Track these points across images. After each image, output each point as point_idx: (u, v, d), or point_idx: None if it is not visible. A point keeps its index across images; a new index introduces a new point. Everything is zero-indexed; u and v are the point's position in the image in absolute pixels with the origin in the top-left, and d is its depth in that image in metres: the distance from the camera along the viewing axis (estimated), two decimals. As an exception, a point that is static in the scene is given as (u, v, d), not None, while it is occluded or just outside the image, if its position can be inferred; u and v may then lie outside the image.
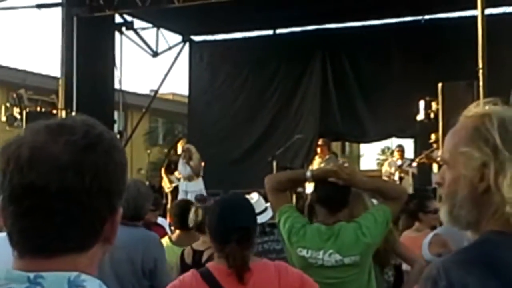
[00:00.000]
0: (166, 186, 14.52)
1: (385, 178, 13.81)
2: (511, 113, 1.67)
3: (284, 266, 3.33)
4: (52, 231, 1.26)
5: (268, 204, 6.00)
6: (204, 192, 13.50)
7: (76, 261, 1.28)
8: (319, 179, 4.26)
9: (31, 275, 1.25)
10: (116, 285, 4.83)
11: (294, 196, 12.01)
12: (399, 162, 14.24)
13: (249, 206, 3.52)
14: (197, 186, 13.72)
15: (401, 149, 14.86)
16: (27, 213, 1.25)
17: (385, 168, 14.78)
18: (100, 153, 1.29)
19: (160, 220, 8.37)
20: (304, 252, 4.08)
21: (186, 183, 13.85)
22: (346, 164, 4.58)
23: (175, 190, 14.17)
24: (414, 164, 14.32)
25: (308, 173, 4.29)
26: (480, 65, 11.98)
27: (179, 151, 14.97)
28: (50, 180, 1.24)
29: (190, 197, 12.87)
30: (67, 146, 1.26)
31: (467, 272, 1.54)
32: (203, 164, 14.19)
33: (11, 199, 1.26)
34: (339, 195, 4.20)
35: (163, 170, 14.92)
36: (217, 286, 3.12)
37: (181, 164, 14.09)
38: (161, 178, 14.95)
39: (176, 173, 14.39)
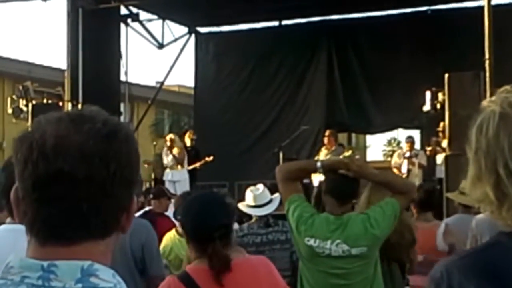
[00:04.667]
0: None
1: (394, 169, 13.81)
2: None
3: (265, 261, 3.30)
4: (77, 218, 1.27)
5: (273, 196, 6.04)
6: (188, 181, 13.58)
7: (95, 248, 1.29)
8: (329, 170, 4.29)
9: (45, 263, 1.26)
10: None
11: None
12: (408, 154, 14.22)
13: (225, 202, 3.46)
14: (182, 176, 13.77)
15: (411, 140, 14.83)
16: (52, 201, 1.26)
17: (395, 159, 14.77)
18: (121, 141, 1.31)
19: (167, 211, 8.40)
20: (311, 242, 4.10)
21: (171, 173, 13.92)
22: (357, 157, 4.60)
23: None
24: (422, 154, 14.31)
25: (319, 164, 4.33)
26: (487, 56, 11.95)
27: (188, 143, 15.00)
28: (76, 167, 1.25)
29: (178, 187, 12.91)
30: (91, 134, 1.27)
31: (468, 279, 1.51)
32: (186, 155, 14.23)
33: (35, 187, 1.26)
34: (349, 186, 4.25)
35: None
36: None
37: (164, 154, 14.19)
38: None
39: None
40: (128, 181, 1.32)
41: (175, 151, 13.96)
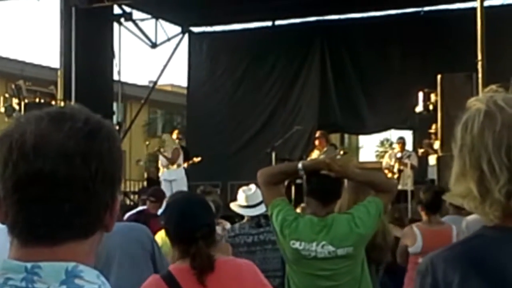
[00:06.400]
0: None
1: (385, 170, 13.81)
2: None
3: (250, 263, 3.29)
4: (59, 219, 1.26)
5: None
6: (185, 180, 13.55)
7: (78, 248, 1.28)
8: (311, 171, 4.25)
9: (29, 265, 1.24)
10: (131, 264, 5.42)
11: (293, 188, 12.01)
12: (399, 155, 14.22)
13: (205, 202, 3.47)
14: (178, 174, 13.76)
15: (402, 141, 14.81)
16: (34, 201, 1.25)
17: (386, 160, 14.77)
18: (103, 140, 1.29)
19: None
20: (297, 245, 4.06)
21: (167, 172, 13.91)
22: (338, 156, 4.56)
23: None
24: (414, 155, 14.32)
25: (300, 165, 4.27)
26: (479, 57, 11.99)
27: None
28: (57, 167, 1.23)
29: (175, 186, 12.89)
30: (72, 133, 1.26)
31: (452, 269, 1.53)
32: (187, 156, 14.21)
33: (15, 188, 1.25)
34: (331, 187, 4.20)
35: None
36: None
37: (159, 154, 14.19)
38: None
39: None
40: (111, 179, 1.30)
41: (168, 151, 13.94)
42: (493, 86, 1.64)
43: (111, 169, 1.30)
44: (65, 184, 1.24)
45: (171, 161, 13.83)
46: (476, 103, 1.60)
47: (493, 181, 1.53)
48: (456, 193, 1.61)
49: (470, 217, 5.87)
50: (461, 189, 1.59)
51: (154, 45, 19.55)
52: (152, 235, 5.87)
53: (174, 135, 15.08)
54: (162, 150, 14.08)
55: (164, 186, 13.20)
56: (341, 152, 14.31)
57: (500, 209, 1.54)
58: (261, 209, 6.08)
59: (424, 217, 6.41)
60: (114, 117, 17.42)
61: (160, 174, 14.19)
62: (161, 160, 14.08)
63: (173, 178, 13.60)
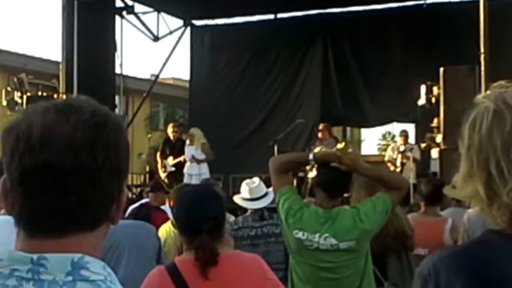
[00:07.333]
0: (161, 170, 14.56)
1: (388, 163, 13.80)
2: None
3: (256, 257, 3.29)
4: (65, 211, 1.26)
5: (269, 189, 6.02)
6: (207, 176, 13.51)
7: (84, 240, 1.28)
8: (322, 162, 4.26)
9: (34, 256, 1.24)
10: (141, 256, 5.56)
11: (295, 181, 12.02)
12: (402, 148, 14.21)
13: (218, 196, 3.45)
14: (200, 170, 13.73)
15: (405, 134, 14.79)
16: (39, 193, 1.24)
17: (388, 153, 14.75)
18: (110, 132, 1.29)
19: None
20: (300, 234, 4.06)
21: (190, 166, 13.82)
22: (349, 150, 4.54)
23: (171, 175, 14.19)
24: (417, 148, 14.30)
25: (311, 156, 4.28)
26: (482, 50, 11.93)
27: (171, 136, 14.91)
28: (63, 159, 1.23)
29: (194, 180, 12.88)
30: (79, 124, 1.25)
31: (455, 277, 1.49)
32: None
33: (21, 179, 1.25)
34: (340, 180, 4.20)
35: (158, 155, 14.95)
36: (181, 281, 3.06)
37: (192, 149, 13.95)
38: (156, 162, 14.98)
39: (170, 159, 14.38)
40: (117, 171, 1.30)
41: (197, 145, 13.84)
42: (502, 82, 1.59)
43: (118, 161, 1.30)
44: (72, 176, 1.24)
45: (211, 158, 13.83)
46: (484, 100, 1.55)
47: (501, 184, 1.48)
48: (463, 195, 1.56)
49: (471, 210, 5.89)
50: (468, 190, 1.55)
51: (156, 39, 19.52)
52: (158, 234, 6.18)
53: (170, 128, 15.04)
54: (187, 143, 14.04)
55: (186, 180, 13.23)
56: (342, 145, 14.29)
57: (508, 214, 1.50)
58: (264, 202, 6.09)
59: (422, 208, 6.48)
60: (116, 111, 17.41)
61: (186, 167, 14.09)
62: (186, 154, 14.01)
63: (195, 172, 13.58)
